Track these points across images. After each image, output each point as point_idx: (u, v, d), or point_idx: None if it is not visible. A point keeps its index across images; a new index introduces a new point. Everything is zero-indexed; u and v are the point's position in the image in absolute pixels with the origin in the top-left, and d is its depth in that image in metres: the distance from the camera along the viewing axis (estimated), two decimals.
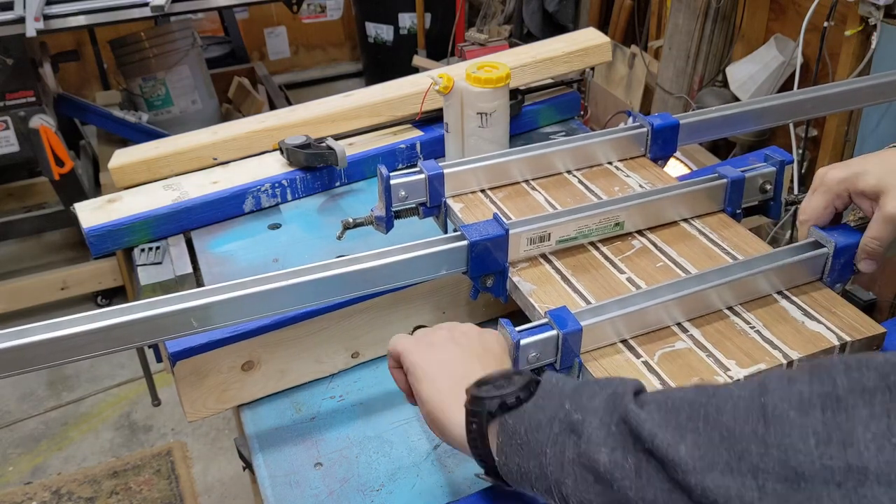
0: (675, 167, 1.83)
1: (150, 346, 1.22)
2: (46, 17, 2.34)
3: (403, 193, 1.04)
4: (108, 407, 2.58)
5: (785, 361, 0.80)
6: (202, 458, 2.37)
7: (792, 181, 2.34)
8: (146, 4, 2.42)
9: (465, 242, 0.90)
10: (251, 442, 0.95)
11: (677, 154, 1.82)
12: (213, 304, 0.82)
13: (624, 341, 0.84)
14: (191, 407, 0.96)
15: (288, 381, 1.00)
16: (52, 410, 2.57)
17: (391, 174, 1.02)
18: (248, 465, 1.04)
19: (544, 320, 0.81)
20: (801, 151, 2.46)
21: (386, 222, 1.05)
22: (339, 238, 1.05)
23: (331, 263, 0.87)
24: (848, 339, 0.83)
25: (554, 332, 0.80)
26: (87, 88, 3.85)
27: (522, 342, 0.78)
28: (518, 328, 0.80)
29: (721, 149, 2.82)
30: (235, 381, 0.97)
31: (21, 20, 2.32)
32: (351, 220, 1.05)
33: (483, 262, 0.92)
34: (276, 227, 1.29)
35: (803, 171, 2.54)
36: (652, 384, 0.79)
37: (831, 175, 0.87)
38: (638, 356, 0.82)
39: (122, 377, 2.69)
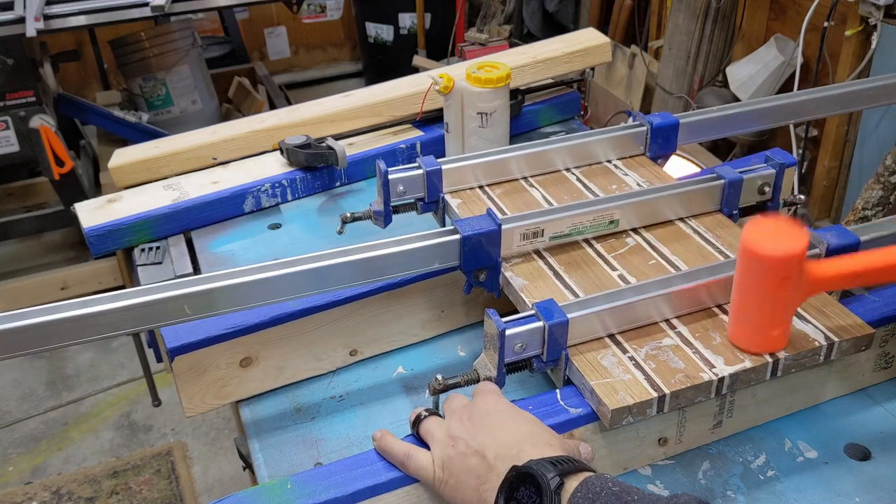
0: (684, 165, 1.82)
1: (146, 335, 1.21)
2: (46, 17, 2.34)
3: (402, 188, 1.04)
4: (108, 407, 2.58)
5: (771, 360, 0.80)
6: (202, 458, 2.37)
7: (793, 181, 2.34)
8: (146, 4, 2.43)
9: (457, 236, 0.91)
10: (251, 442, 0.95)
11: (685, 153, 1.81)
12: (205, 292, 0.82)
13: (611, 336, 0.84)
14: (189, 402, 0.96)
15: (286, 378, 1.00)
16: (52, 410, 2.57)
17: (389, 169, 1.02)
18: (248, 465, 1.04)
19: (531, 311, 0.82)
20: (801, 151, 2.46)
21: (384, 217, 1.05)
22: (340, 233, 1.06)
23: (323, 254, 0.87)
24: (836, 339, 0.82)
25: (540, 324, 0.80)
26: (87, 88, 3.85)
27: (508, 332, 0.78)
28: (504, 318, 0.80)
29: (721, 148, 2.82)
30: (234, 376, 0.97)
31: (21, 20, 2.32)
32: (350, 215, 1.05)
33: (475, 256, 0.92)
34: (276, 227, 1.30)
35: (803, 171, 2.54)
36: (637, 380, 0.79)
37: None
38: (624, 351, 0.82)
39: (122, 377, 2.69)
